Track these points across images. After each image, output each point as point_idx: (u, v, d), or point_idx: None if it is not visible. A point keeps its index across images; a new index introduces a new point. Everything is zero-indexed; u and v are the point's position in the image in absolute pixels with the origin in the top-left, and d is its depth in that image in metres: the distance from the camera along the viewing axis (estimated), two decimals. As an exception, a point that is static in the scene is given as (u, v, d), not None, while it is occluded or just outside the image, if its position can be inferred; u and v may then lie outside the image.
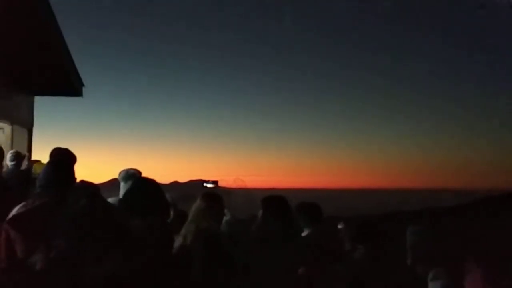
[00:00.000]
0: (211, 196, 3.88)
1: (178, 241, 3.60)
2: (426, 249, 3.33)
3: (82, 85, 10.42)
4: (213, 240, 3.60)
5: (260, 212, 3.99)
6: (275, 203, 4.03)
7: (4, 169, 6.64)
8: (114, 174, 4.59)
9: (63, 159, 4.37)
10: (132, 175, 4.40)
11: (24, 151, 8.13)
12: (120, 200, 3.70)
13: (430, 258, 3.30)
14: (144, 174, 4.58)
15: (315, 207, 4.58)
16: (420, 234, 3.43)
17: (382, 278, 3.57)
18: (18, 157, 7.00)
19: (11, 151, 7.33)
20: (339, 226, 4.64)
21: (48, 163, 3.93)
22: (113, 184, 5.38)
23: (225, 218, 4.53)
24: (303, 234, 4.37)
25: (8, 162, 7.08)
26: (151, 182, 3.41)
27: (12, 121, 9.68)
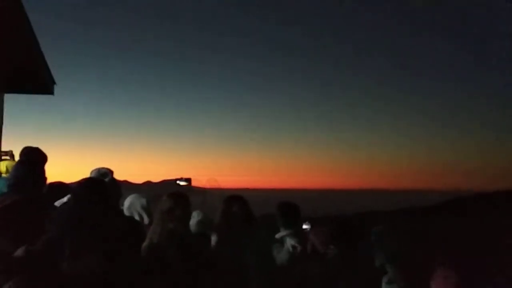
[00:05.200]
0: (175, 196, 3.84)
1: (145, 243, 3.58)
2: (387, 250, 3.39)
3: (54, 82, 10.27)
4: (178, 241, 3.59)
5: (220, 212, 4.02)
6: (235, 203, 4.07)
7: None
8: (86, 174, 4.56)
9: (33, 159, 4.31)
10: (104, 174, 4.38)
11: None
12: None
13: (394, 259, 3.36)
14: (116, 174, 4.56)
15: (293, 208, 4.63)
16: (382, 235, 3.50)
17: (354, 278, 3.61)
18: None
19: None
20: (304, 226, 4.69)
21: (18, 162, 3.90)
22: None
23: (198, 218, 4.53)
24: (281, 234, 4.42)
25: None
26: (97, 181, 3.44)
27: (-19, 119, 9.50)
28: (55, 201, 4.04)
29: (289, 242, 4.19)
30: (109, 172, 4.49)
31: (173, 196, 3.81)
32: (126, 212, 4.23)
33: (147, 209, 4.30)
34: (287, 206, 4.65)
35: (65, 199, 4.08)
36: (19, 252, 2.85)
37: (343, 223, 4.07)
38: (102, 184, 3.52)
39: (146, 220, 4.22)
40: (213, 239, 4.06)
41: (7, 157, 7.26)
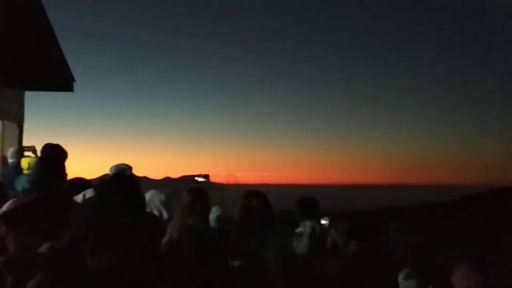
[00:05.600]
0: (194, 192, 3.86)
1: (165, 239, 3.60)
2: (407, 246, 3.36)
3: (73, 80, 10.37)
4: (198, 236, 3.60)
5: (239, 207, 4.01)
6: (255, 198, 4.06)
7: None
8: (106, 170, 4.59)
9: (54, 155, 4.36)
10: (123, 170, 4.41)
11: (15, 147, 8.10)
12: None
13: (414, 255, 3.33)
14: (136, 170, 4.59)
15: (312, 203, 4.63)
16: (401, 231, 3.46)
17: (375, 273, 3.59)
18: (18, 155, 6.99)
19: (11, 148, 7.34)
20: (323, 222, 4.69)
21: (39, 158, 3.95)
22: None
23: (217, 214, 4.54)
24: (300, 229, 4.42)
25: (8, 159, 7.08)
26: (126, 177, 3.45)
27: (3, 116, 9.63)
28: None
29: (308, 224, 4.18)
30: (128, 168, 4.51)
31: (193, 191, 3.83)
32: None
33: (166, 204, 4.32)
34: (306, 201, 4.65)
35: (80, 195, 4.12)
36: (44, 248, 2.88)
37: (363, 218, 4.06)
38: (125, 180, 3.52)
39: (165, 215, 4.24)
40: (232, 234, 4.07)
41: (30, 152, 7.33)
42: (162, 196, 4.38)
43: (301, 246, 4.12)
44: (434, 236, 3.59)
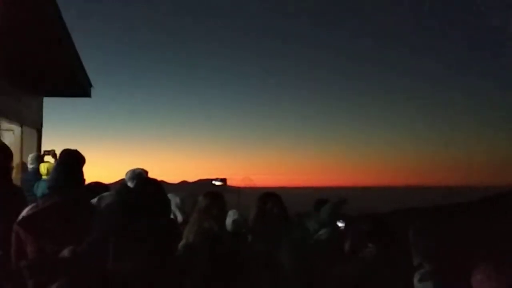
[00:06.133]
0: (211, 195, 3.86)
1: (181, 242, 3.61)
2: (425, 248, 3.31)
3: (91, 85, 10.47)
4: (214, 240, 3.61)
5: (255, 209, 4.00)
6: (270, 200, 4.06)
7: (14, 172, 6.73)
8: (122, 175, 4.63)
9: (72, 160, 4.40)
10: (139, 175, 4.43)
11: (34, 152, 8.20)
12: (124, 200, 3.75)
13: (432, 257, 3.28)
14: (152, 174, 4.62)
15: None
16: (420, 233, 3.42)
17: (394, 277, 3.56)
18: (38, 160, 7.09)
19: (31, 154, 7.43)
20: (339, 224, 4.67)
21: (57, 164, 3.98)
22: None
23: (233, 217, 4.55)
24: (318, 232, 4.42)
25: (28, 165, 7.18)
26: (153, 183, 3.45)
27: (22, 122, 9.75)
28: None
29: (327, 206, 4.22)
30: (144, 172, 4.54)
31: (209, 195, 3.84)
32: None
33: (181, 208, 4.35)
34: (323, 203, 4.65)
35: (95, 199, 4.16)
36: (65, 253, 2.89)
37: (380, 221, 4.02)
38: (151, 186, 3.54)
39: (180, 218, 4.27)
40: (248, 236, 4.08)
41: (50, 156, 7.42)
42: (178, 200, 4.41)
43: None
44: (453, 238, 3.54)
